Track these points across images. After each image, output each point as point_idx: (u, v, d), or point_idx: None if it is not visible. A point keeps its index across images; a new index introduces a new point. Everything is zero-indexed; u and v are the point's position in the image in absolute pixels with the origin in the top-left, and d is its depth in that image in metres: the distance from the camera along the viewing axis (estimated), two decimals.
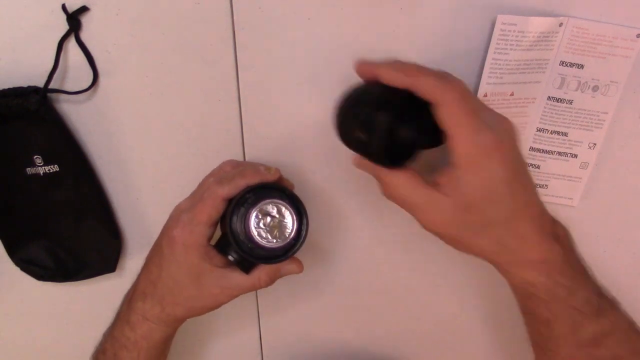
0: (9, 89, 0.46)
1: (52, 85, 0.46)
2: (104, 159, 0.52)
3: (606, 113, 0.49)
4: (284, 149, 0.53)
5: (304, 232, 0.45)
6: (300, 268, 0.49)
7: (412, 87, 0.39)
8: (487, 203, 0.40)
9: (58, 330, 0.63)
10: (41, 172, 0.49)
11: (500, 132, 0.40)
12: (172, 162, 0.53)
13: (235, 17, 0.45)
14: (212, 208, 0.45)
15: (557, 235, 0.42)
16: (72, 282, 0.56)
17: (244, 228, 0.44)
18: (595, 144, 0.51)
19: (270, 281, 0.48)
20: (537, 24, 0.44)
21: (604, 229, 0.56)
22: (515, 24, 0.44)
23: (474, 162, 0.39)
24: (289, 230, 0.45)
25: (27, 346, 0.64)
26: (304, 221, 0.45)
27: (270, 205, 0.44)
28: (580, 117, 0.49)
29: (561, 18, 0.44)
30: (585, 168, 0.52)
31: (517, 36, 0.44)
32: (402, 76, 0.39)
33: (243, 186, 0.45)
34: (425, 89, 0.39)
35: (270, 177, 0.46)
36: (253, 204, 0.44)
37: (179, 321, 0.50)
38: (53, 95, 0.47)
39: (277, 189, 0.45)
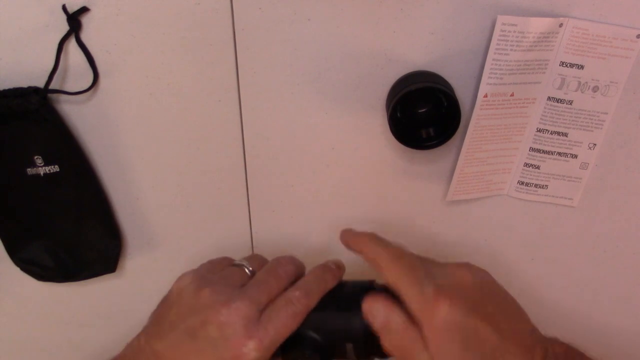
0: (9, 89, 0.46)
1: (52, 86, 0.46)
2: (104, 159, 0.52)
3: (606, 113, 0.49)
4: (284, 149, 0.53)
5: None
6: None
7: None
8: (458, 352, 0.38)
9: (58, 330, 0.63)
10: (41, 173, 0.49)
11: (448, 279, 0.40)
12: (172, 162, 0.53)
13: (235, 17, 0.45)
14: (299, 323, 0.41)
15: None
16: (72, 282, 0.56)
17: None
18: (595, 144, 0.51)
19: None
20: (537, 25, 0.44)
21: (604, 229, 0.56)
22: (515, 25, 0.44)
23: (427, 313, 0.39)
24: None
25: (27, 346, 0.64)
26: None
27: None
28: (580, 117, 0.49)
29: (561, 18, 0.44)
30: (585, 168, 0.52)
31: (517, 37, 0.44)
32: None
33: (326, 291, 0.43)
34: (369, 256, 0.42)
35: (341, 273, 0.45)
36: None
37: None
38: (53, 96, 0.47)
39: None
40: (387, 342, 0.40)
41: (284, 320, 0.40)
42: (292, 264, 0.44)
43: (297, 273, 0.44)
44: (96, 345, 0.66)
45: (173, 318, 0.42)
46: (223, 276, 0.43)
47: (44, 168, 0.49)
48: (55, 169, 0.49)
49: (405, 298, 0.40)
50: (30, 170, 0.49)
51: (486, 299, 0.41)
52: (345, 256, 0.57)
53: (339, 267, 0.45)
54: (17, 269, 0.54)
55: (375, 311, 0.41)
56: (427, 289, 0.39)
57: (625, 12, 0.44)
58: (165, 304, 0.44)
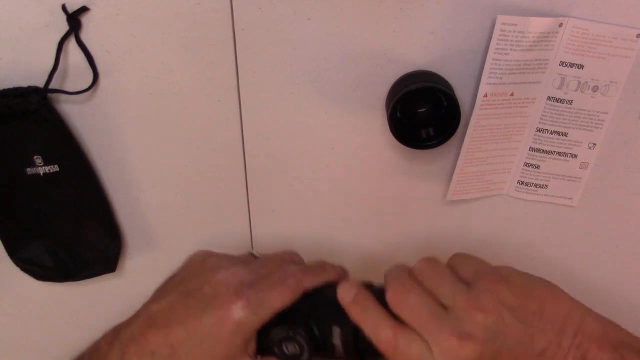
0: (9, 89, 0.46)
1: (52, 86, 0.46)
2: (104, 159, 0.52)
3: (606, 113, 0.49)
4: (284, 149, 0.53)
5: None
6: None
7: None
8: None
9: (58, 330, 0.63)
10: (41, 173, 0.49)
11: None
12: (172, 162, 0.53)
13: (235, 18, 0.45)
14: (291, 297, 0.41)
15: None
16: (72, 282, 0.56)
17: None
18: (595, 144, 0.51)
19: None
20: (537, 25, 0.44)
21: (604, 229, 0.56)
22: (515, 25, 0.44)
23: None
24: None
25: (27, 346, 0.64)
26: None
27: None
28: (580, 117, 0.49)
29: (561, 18, 0.44)
30: (585, 168, 0.52)
31: (517, 36, 0.44)
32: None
33: (325, 281, 0.43)
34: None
35: (343, 274, 0.45)
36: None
37: None
38: (53, 96, 0.47)
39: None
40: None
41: (276, 288, 0.41)
42: (298, 256, 0.47)
43: (302, 262, 0.46)
44: None
45: (175, 283, 0.44)
46: (233, 256, 0.46)
47: (44, 168, 0.49)
48: (55, 169, 0.49)
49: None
50: (30, 170, 0.49)
51: (512, 319, 0.38)
52: (347, 258, 0.58)
53: (343, 270, 0.46)
54: (17, 269, 0.54)
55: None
56: (455, 313, 0.37)
57: (625, 12, 0.44)
58: (172, 275, 0.46)
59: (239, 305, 0.40)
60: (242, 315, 0.40)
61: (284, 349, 0.41)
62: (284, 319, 0.41)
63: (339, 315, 0.41)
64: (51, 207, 0.51)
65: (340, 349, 0.42)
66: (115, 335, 0.43)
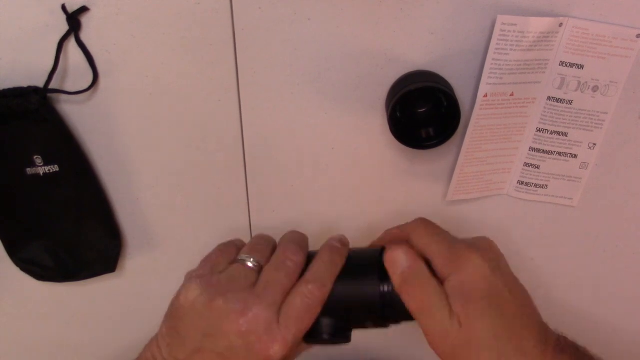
0: (9, 89, 0.46)
1: (52, 86, 0.46)
2: (104, 159, 0.52)
3: (606, 113, 0.49)
4: (284, 149, 0.53)
5: None
6: None
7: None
8: (482, 307, 0.39)
9: (58, 330, 0.63)
10: (41, 173, 0.49)
11: (476, 242, 0.42)
12: (172, 162, 0.53)
13: (235, 17, 0.45)
14: (317, 313, 0.41)
15: (562, 347, 0.40)
16: (72, 282, 0.56)
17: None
18: (595, 144, 0.51)
19: None
20: (537, 24, 0.44)
21: (604, 229, 0.56)
22: (515, 24, 0.44)
23: (455, 266, 0.40)
24: None
25: (28, 346, 0.64)
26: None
27: None
28: (580, 117, 0.49)
29: (561, 18, 0.44)
30: (585, 168, 0.52)
31: (517, 36, 0.44)
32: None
33: (338, 271, 0.42)
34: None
35: (347, 249, 0.45)
36: None
37: None
38: (53, 96, 0.47)
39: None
40: (406, 294, 0.40)
41: (303, 316, 0.40)
42: (299, 252, 0.43)
43: (304, 257, 0.43)
44: (96, 345, 0.66)
45: (190, 330, 0.41)
46: (230, 278, 0.42)
47: (43, 168, 0.48)
48: (55, 168, 0.49)
49: (433, 255, 0.41)
50: (30, 170, 0.49)
51: (508, 271, 0.42)
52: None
53: (344, 243, 0.45)
54: (17, 269, 0.54)
55: (398, 259, 0.41)
56: (457, 245, 0.41)
57: (625, 12, 0.44)
58: (177, 316, 0.42)
59: (277, 348, 0.39)
60: (282, 354, 0.39)
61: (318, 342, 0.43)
62: None
63: (366, 307, 0.42)
64: (51, 207, 0.51)
65: (371, 325, 0.43)
66: None
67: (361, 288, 0.42)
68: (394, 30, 0.46)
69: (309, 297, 0.40)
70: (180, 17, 0.45)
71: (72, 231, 0.52)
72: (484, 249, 0.42)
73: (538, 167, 0.52)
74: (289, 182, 0.55)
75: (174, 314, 0.42)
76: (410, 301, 0.40)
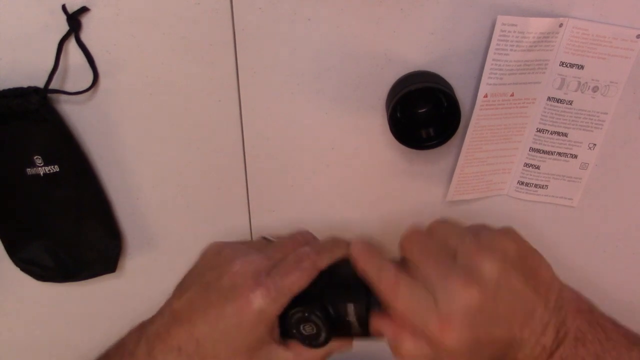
0: (9, 89, 0.46)
1: (52, 86, 0.46)
2: (104, 159, 0.52)
3: (606, 113, 0.49)
4: (284, 149, 0.53)
5: None
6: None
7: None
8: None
9: (58, 330, 0.63)
10: (41, 173, 0.49)
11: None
12: (172, 162, 0.53)
13: (235, 17, 0.45)
14: (308, 279, 0.41)
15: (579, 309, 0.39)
16: (72, 282, 0.56)
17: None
18: (595, 145, 0.51)
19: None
20: (537, 25, 0.44)
21: (604, 229, 0.56)
22: (515, 25, 0.44)
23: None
24: None
25: (27, 346, 0.64)
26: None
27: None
28: (580, 117, 0.49)
29: (561, 19, 0.44)
30: (585, 168, 0.52)
31: (517, 37, 0.44)
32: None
33: (338, 257, 0.43)
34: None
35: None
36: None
37: None
38: (53, 96, 0.47)
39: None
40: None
41: (293, 273, 0.41)
42: (310, 234, 0.47)
43: (314, 239, 0.46)
44: (96, 345, 0.66)
45: (193, 277, 0.44)
46: (248, 244, 0.47)
47: (43, 168, 0.48)
48: (55, 169, 0.49)
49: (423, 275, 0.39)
50: (30, 170, 0.49)
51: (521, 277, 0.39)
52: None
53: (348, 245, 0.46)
54: (17, 269, 0.54)
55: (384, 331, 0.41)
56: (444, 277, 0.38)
57: (625, 12, 0.44)
58: (189, 270, 0.45)
59: (258, 293, 0.40)
60: (262, 303, 0.40)
61: (302, 330, 0.42)
62: (300, 299, 0.42)
63: (353, 291, 0.42)
64: (51, 207, 0.51)
65: (355, 325, 0.43)
66: (141, 332, 0.44)
67: (354, 282, 0.42)
68: (394, 30, 0.46)
69: (303, 258, 0.42)
70: (180, 17, 0.45)
71: (72, 231, 0.52)
72: (493, 256, 0.38)
73: (538, 168, 0.52)
74: (289, 182, 0.55)
75: (188, 271, 0.46)
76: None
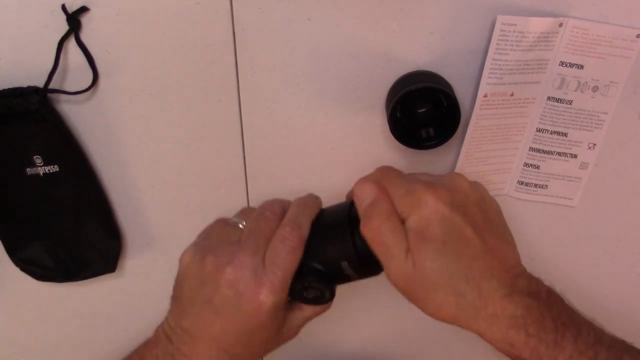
0: (9, 89, 0.46)
1: (52, 86, 0.46)
2: (104, 159, 0.52)
3: (606, 113, 0.49)
4: (283, 149, 0.53)
5: None
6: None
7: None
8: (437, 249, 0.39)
9: (58, 330, 0.63)
10: (41, 173, 0.49)
11: (443, 181, 0.42)
12: (172, 162, 0.53)
13: (235, 17, 0.45)
14: (299, 256, 0.42)
15: (533, 292, 0.39)
16: (72, 282, 0.56)
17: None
18: (595, 144, 0.51)
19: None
20: (537, 25, 0.44)
21: (604, 229, 0.56)
22: (515, 24, 0.44)
23: (413, 204, 0.40)
24: None
25: (27, 346, 0.64)
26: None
27: None
28: (580, 117, 0.49)
29: (561, 18, 0.44)
30: (585, 168, 0.52)
31: (517, 36, 0.44)
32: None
33: (314, 215, 0.44)
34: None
35: (319, 199, 0.46)
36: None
37: None
38: (53, 96, 0.47)
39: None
40: (366, 229, 0.40)
41: (286, 257, 0.41)
42: (276, 203, 0.46)
43: (283, 208, 0.46)
44: (96, 345, 0.66)
45: (188, 294, 0.43)
46: (219, 239, 0.45)
47: (43, 168, 0.49)
48: (55, 169, 0.49)
49: (394, 197, 0.41)
50: (29, 170, 0.49)
51: (478, 211, 0.41)
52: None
53: (316, 196, 0.47)
54: (17, 269, 0.54)
55: (362, 193, 0.42)
56: (417, 185, 0.40)
57: (625, 12, 0.44)
58: (178, 284, 0.45)
59: (266, 293, 0.40)
60: (272, 300, 0.41)
61: (305, 295, 0.44)
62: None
63: (340, 245, 0.43)
64: (51, 207, 0.51)
65: (354, 275, 0.44)
66: (147, 356, 0.44)
67: (335, 234, 0.43)
68: (394, 30, 0.46)
69: (288, 237, 0.42)
70: (180, 17, 0.45)
71: (72, 231, 0.52)
72: (448, 188, 0.41)
73: (538, 167, 0.52)
74: (289, 182, 0.55)
75: (176, 284, 0.45)
76: (370, 237, 0.40)
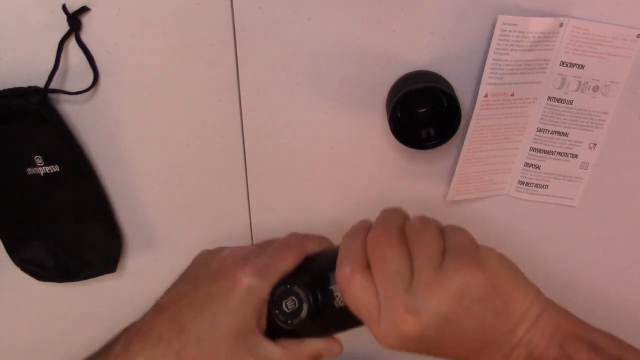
0: (9, 89, 0.46)
1: (52, 86, 0.46)
2: (104, 159, 0.52)
3: (606, 113, 0.49)
4: (283, 149, 0.53)
5: None
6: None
7: None
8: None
9: (58, 330, 0.63)
10: (41, 173, 0.49)
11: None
12: (172, 162, 0.53)
13: (235, 17, 0.45)
14: (296, 260, 0.41)
15: None
16: (72, 282, 0.56)
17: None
18: (595, 144, 0.51)
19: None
20: (538, 24, 0.44)
21: (604, 229, 0.56)
22: (515, 24, 0.44)
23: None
24: None
25: (27, 346, 0.64)
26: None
27: None
28: (580, 117, 0.49)
29: (561, 18, 0.44)
30: (586, 168, 0.52)
31: (517, 36, 0.44)
32: None
33: (325, 247, 0.44)
34: None
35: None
36: None
37: None
38: (53, 96, 0.47)
39: None
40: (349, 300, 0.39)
41: (280, 252, 0.42)
42: (307, 234, 0.46)
43: (309, 239, 0.46)
44: (96, 345, 0.65)
45: (182, 275, 0.45)
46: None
47: (44, 168, 0.48)
48: (55, 169, 0.49)
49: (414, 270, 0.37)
50: (30, 170, 0.49)
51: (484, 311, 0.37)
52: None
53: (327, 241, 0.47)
54: (17, 269, 0.54)
55: (346, 287, 0.39)
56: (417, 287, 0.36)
57: (626, 12, 0.44)
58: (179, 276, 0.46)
59: (247, 271, 0.40)
60: (251, 280, 0.40)
61: (284, 307, 0.41)
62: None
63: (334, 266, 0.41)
64: (51, 207, 0.51)
65: (338, 296, 0.41)
66: (124, 331, 0.44)
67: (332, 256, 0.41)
68: (394, 30, 0.46)
69: (289, 238, 0.43)
70: (180, 17, 0.45)
71: (72, 231, 0.52)
72: (447, 296, 0.36)
73: (538, 167, 0.52)
74: (289, 182, 0.55)
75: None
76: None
